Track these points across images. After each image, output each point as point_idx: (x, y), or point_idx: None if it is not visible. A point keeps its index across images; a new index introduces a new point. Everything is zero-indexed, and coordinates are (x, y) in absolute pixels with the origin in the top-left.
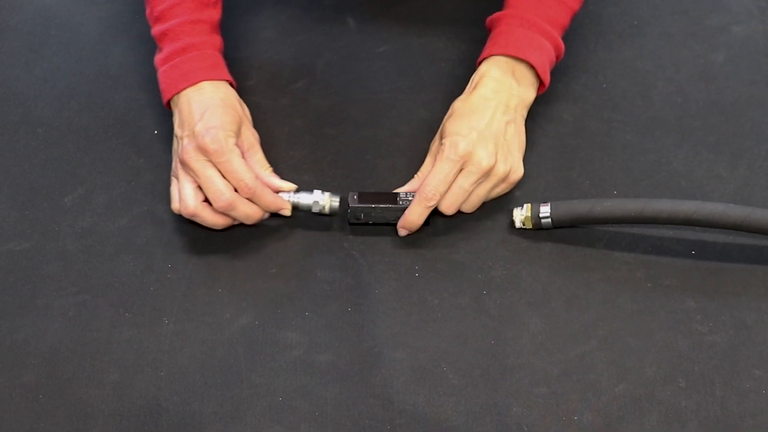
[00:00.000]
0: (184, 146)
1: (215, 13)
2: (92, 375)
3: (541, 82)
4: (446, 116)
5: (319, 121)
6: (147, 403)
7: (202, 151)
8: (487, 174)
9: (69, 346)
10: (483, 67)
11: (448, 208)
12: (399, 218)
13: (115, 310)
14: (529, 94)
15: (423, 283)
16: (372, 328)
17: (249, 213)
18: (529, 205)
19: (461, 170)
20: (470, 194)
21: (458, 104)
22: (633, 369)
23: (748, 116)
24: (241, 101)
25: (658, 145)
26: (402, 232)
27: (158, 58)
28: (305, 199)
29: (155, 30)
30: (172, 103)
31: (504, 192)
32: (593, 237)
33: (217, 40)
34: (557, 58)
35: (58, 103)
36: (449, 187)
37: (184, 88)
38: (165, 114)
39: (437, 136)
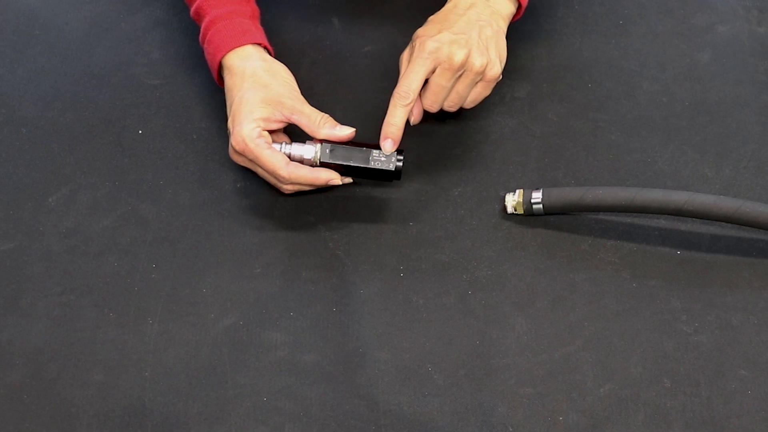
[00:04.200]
0: (229, 148)
1: None
2: (77, 375)
3: (518, 5)
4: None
5: None
6: (131, 403)
7: (237, 151)
8: (461, 68)
9: (53, 347)
10: None
11: (429, 105)
12: (368, 174)
13: (99, 310)
14: (504, 6)
15: (408, 284)
16: (357, 328)
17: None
18: (521, 190)
19: (435, 69)
20: (450, 91)
21: (430, 17)
22: (618, 369)
23: (734, 116)
24: (270, 65)
25: (644, 145)
26: (387, 145)
27: (199, 38)
28: (297, 150)
29: (191, 12)
30: None
31: (486, 93)
32: (579, 237)
33: (247, 7)
34: None
35: (43, 102)
36: (426, 86)
37: (218, 65)
38: (149, 114)
39: (408, 47)
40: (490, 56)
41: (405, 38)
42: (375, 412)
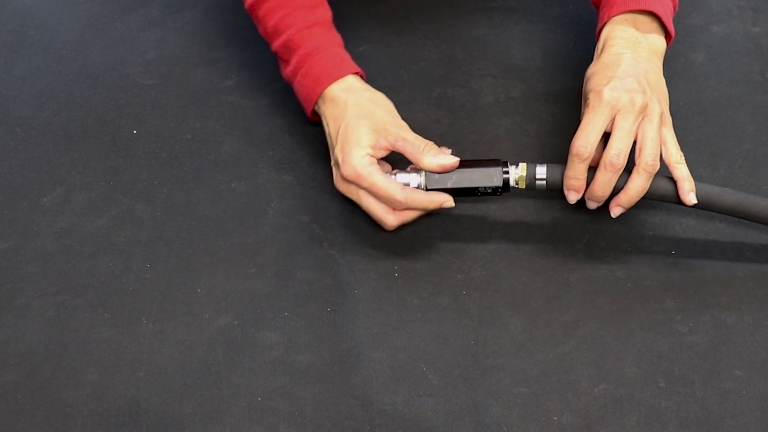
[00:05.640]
0: (336, 177)
1: (326, 13)
2: (71, 375)
3: (666, 33)
4: (583, 84)
5: (299, 120)
6: (126, 403)
7: (348, 180)
8: (643, 111)
9: (48, 347)
10: (604, 32)
11: (617, 155)
12: (476, 192)
13: (94, 310)
14: (658, 42)
15: (402, 283)
16: (351, 328)
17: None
18: (525, 164)
19: (614, 118)
20: (643, 138)
21: (590, 69)
22: (613, 369)
23: (729, 116)
24: (373, 95)
25: None
26: (571, 196)
27: (287, 72)
28: (403, 178)
29: (275, 46)
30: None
31: (673, 139)
32: (573, 237)
33: (335, 37)
34: (674, 9)
35: (37, 102)
36: (609, 136)
37: (318, 97)
38: (144, 113)
39: (582, 104)
40: (662, 103)
41: (400, 38)
42: (370, 412)
